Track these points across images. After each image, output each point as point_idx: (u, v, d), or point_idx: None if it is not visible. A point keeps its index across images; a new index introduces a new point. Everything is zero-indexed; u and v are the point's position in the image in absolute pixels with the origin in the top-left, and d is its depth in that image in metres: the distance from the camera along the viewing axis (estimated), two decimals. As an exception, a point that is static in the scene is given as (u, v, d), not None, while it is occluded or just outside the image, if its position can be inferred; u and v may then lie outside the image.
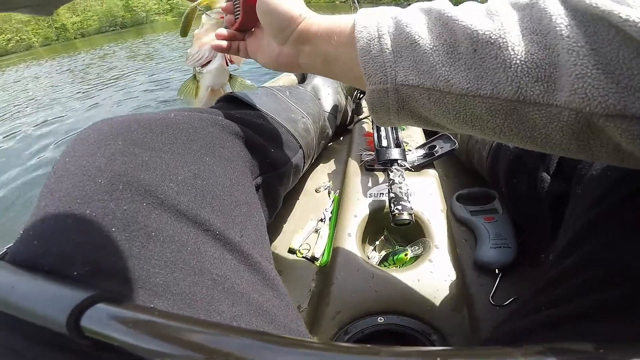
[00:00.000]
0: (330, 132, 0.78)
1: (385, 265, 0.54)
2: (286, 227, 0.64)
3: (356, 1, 1.43)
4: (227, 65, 0.61)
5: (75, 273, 0.21)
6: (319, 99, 0.78)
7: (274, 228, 0.63)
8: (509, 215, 0.57)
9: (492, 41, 0.23)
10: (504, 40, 0.23)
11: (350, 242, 0.55)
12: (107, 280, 0.22)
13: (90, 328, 0.16)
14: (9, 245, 0.36)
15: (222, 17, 0.52)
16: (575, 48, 0.21)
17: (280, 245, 0.61)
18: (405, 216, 0.51)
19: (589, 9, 0.21)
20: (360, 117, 0.91)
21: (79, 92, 5.44)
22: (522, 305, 0.33)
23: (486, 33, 0.24)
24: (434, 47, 0.26)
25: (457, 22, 0.25)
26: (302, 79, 1.02)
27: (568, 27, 0.21)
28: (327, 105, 0.78)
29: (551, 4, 0.23)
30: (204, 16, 0.56)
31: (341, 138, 0.93)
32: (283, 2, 0.36)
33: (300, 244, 0.60)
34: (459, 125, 0.28)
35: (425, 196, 0.60)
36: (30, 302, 0.17)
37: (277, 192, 0.49)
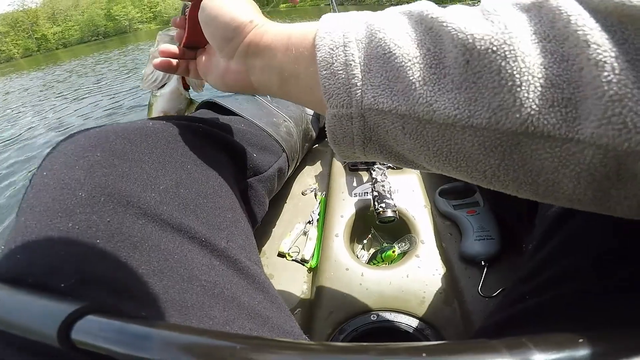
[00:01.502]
0: (314, 135, 0.78)
1: (374, 263, 0.55)
2: (274, 231, 0.64)
3: (335, 4, 1.43)
4: (186, 89, 0.54)
5: (62, 285, 0.21)
6: None
7: (262, 232, 0.63)
8: (490, 208, 0.58)
9: (493, 49, 0.18)
10: (511, 47, 0.17)
11: (339, 242, 0.56)
12: (95, 291, 0.22)
13: (82, 340, 0.16)
14: None
15: None
16: (607, 59, 0.15)
17: (270, 250, 0.61)
18: (389, 213, 0.52)
19: (620, 9, 0.16)
20: None
21: (57, 104, 5.31)
22: (508, 294, 0.34)
23: (485, 38, 0.18)
24: (413, 59, 0.20)
25: (443, 25, 0.20)
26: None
27: (593, 30, 0.16)
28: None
29: (565, 2, 0.17)
30: (159, 33, 0.51)
31: (325, 139, 0.94)
32: (227, 7, 0.31)
33: (289, 247, 0.60)
34: (440, 165, 0.23)
35: (408, 193, 0.61)
36: (20, 317, 0.17)
37: (263, 196, 0.49)
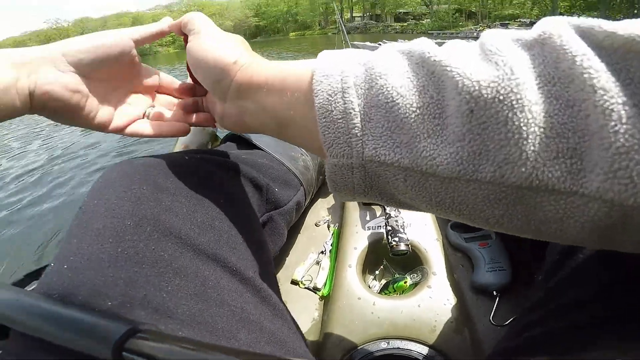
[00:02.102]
0: None
1: (386, 293, 0.57)
2: (288, 259, 0.66)
3: (345, 32, 1.49)
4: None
5: (109, 304, 0.23)
6: None
7: (277, 261, 0.65)
8: (501, 240, 0.59)
9: (500, 98, 0.17)
10: (518, 95, 0.17)
11: (351, 272, 0.57)
12: (139, 311, 0.24)
13: (132, 358, 0.18)
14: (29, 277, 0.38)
15: None
16: (613, 106, 0.15)
17: (284, 277, 0.62)
18: (403, 247, 0.53)
19: (629, 45, 0.15)
20: None
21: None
22: (517, 323, 0.35)
23: (491, 86, 0.17)
24: (417, 109, 0.20)
25: (447, 69, 0.19)
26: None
27: (599, 73, 0.15)
28: None
29: (569, 39, 0.17)
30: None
31: None
32: (210, 49, 0.30)
33: (302, 275, 0.62)
34: (442, 213, 0.22)
35: (420, 227, 0.63)
36: (77, 332, 0.19)
37: (282, 228, 0.51)
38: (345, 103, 0.22)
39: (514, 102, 0.17)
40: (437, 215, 0.24)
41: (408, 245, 0.54)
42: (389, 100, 0.20)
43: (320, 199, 0.83)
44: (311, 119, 0.23)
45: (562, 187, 0.17)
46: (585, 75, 0.16)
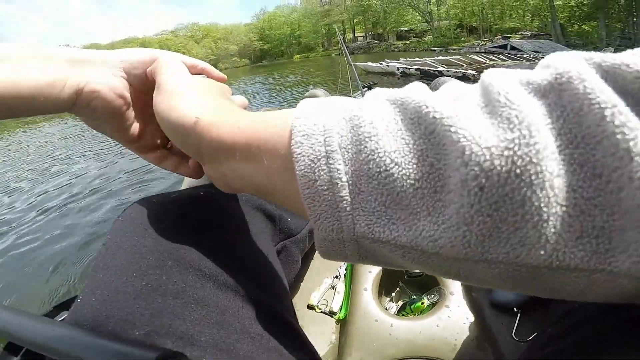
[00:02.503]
0: None
1: (403, 315, 0.56)
2: (303, 285, 0.67)
3: (348, 53, 1.53)
4: None
5: (137, 333, 0.24)
6: None
7: (292, 287, 0.65)
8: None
9: (517, 172, 0.14)
10: (538, 167, 0.14)
11: (367, 295, 0.57)
12: (165, 340, 0.25)
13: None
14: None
15: None
16: None
17: (300, 302, 0.63)
18: None
19: None
20: None
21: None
22: (537, 339, 0.34)
23: (505, 155, 0.14)
24: (415, 181, 0.16)
25: (449, 130, 0.15)
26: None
27: (636, 132, 0.12)
28: None
29: (593, 85, 0.14)
30: None
31: None
32: (170, 106, 0.27)
33: (318, 300, 0.62)
34: (446, 276, 0.19)
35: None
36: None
37: (296, 255, 0.52)
38: (330, 171, 0.18)
39: (533, 178, 0.14)
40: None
41: None
42: (381, 170, 0.17)
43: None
44: (293, 188, 0.20)
45: (586, 266, 0.14)
46: (618, 137, 0.13)
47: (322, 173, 0.18)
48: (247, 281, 0.33)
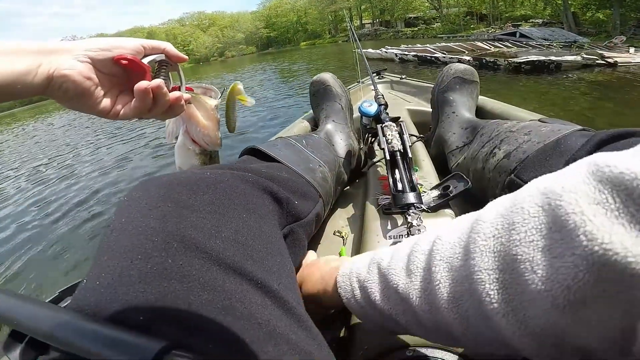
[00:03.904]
0: (346, 178, 0.81)
1: None
2: None
3: (358, 39, 1.50)
4: (206, 145, 0.53)
5: (141, 318, 0.24)
6: (333, 145, 0.81)
7: (297, 272, 0.65)
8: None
9: None
10: None
11: None
12: (168, 325, 0.25)
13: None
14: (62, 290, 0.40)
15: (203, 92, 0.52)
16: None
17: None
18: None
19: None
20: (374, 160, 0.95)
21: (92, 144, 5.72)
22: None
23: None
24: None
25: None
26: (315, 126, 1.08)
27: None
28: (341, 151, 0.82)
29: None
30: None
31: (357, 181, 0.96)
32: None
33: None
34: None
35: None
36: (114, 351, 0.20)
37: (303, 240, 0.52)
38: (362, 308, 0.37)
39: None
40: None
41: None
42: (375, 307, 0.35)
43: (339, 209, 0.82)
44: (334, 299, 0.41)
45: None
46: None
47: (359, 309, 0.37)
48: (253, 265, 0.32)
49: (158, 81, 0.40)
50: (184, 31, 60.17)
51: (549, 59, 6.72)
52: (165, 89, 0.42)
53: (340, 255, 0.67)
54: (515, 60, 6.84)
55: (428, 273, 0.27)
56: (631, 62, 6.82)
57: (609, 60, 6.83)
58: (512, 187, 0.58)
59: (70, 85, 0.35)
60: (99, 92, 0.38)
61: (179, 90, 0.45)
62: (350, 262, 0.39)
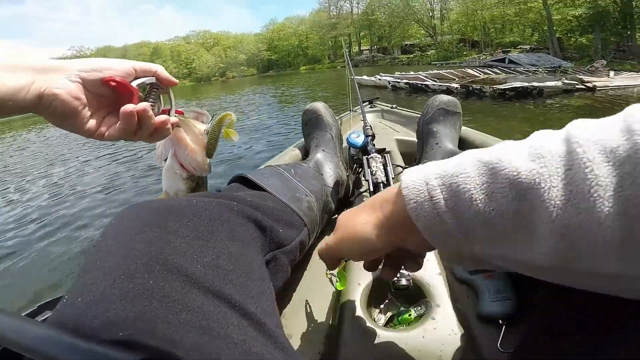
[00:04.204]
0: (333, 207, 0.83)
1: (391, 326, 0.58)
2: (294, 295, 0.69)
3: (351, 66, 1.54)
4: (193, 171, 0.53)
5: (120, 334, 0.25)
6: (322, 175, 0.84)
7: (284, 298, 0.67)
8: (506, 271, 0.60)
9: (587, 229, 0.21)
10: (602, 230, 0.20)
11: (356, 306, 0.59)
12: (148, 342, 0.26)
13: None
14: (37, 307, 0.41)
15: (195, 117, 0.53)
16: None
17: (290, 312, 0.65)
18: (404, 282, 0.55)
19: None
20: (361, 190, 0.97)
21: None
22: (524, 347, 0.36)
23: (578, 220, 0.21)
24: (509, 225, 0.24)
25: (538, 198, 0.22)
26: (306, 154, 1.10)
27: None
28: (330, 181, 0.84)
29: None
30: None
31: (344, 210, 0.98)
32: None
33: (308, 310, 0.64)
34: (538, 275, 0.26)
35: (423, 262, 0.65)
36: None
37: (286, 266, 0.54)
38: (446, 226, 0.27)
39: (595, 237, 0.20)
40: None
41: (409, 280, 0.56)
42: (478, 215, 0.25)
43: (326, 237, 0.85)
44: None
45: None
46: None
47: (439, 227, 0.27)
48: (232, 289, 0.34)
49: (144, 105, 0.41)
50: (188, 49, 60.83)
51: (532, 85, 6.96)
52: (151, 112, 0.42)
53: (338, 279, 0.69)
54: (500, 87, 7.10)
55: (570, 156, 0.22)
56: (609, 86, 7.12)
57: (588, 84, 7.13)
58: None
59: (58, 104, 0.36)
60: (86, 112, 0.39)
61: (169, 113, 0.47)
62: (412, 172, 0.30)
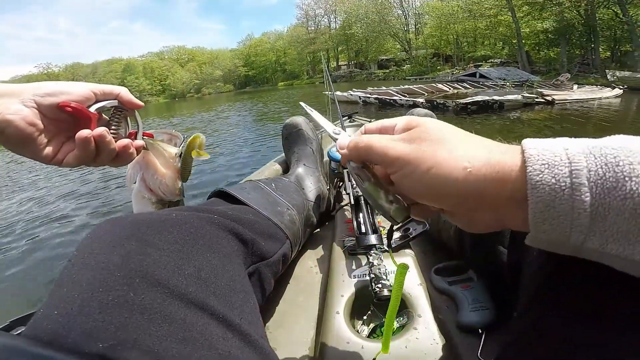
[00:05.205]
0: (315, 220, 0.83)
1: (374, 337, 0.59)
2: (278, 308, 0.69)
3: (331, 82, 1.57)
4: (162, 195, 0.52)
5: (100, 346, 0.25)
6: (303, 189, 0.84)
7: (267, 310, 0.67)
8: (483, 282, 0.62)
9: None
10: None
11: (339, 318, 0.59)
12: (130, 353, 0.25)
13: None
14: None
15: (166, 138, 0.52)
16: None
17: (273, 325, 0.64)
18: (385, 292, 0.56)
19: None
20: (342, 204, 0.99)
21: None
22: (504, 355, 0.37)
23: None
24: None
25: None
26: (287, 169, 1.10)
27: None
28: (311, 195, 0.84)
29: None
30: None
31: (326, 223, 0.99)
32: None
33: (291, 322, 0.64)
34: None
35: None
36: None
37: (269, 278, 0.54)
38: (573, 202, 0.20)
39: None
40: None
41: (391, 291, 0.57)
42: (638, 207, 0.18)
43: (309, 250, 0.86)
44: (514, 214, 0.23)
45: None
46: None
47: (563, 202, 0.20)
48: (215, 300, 0.34)
49: (100, 130, 0.39)
50: (162, 65, 59.27)
51: (492, 99, 7.30)
52: (110, 137, 0.40)
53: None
54: (461, 101, 7.38)
55: None
56: (567, 99, 7.63)
57: (547, 98, 7.59)
58: (461, 232, 0.64)
59: (12, 131, 0.35)
60: (42, 139, 0.38)
61: (136, 136, 0.46)
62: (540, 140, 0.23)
